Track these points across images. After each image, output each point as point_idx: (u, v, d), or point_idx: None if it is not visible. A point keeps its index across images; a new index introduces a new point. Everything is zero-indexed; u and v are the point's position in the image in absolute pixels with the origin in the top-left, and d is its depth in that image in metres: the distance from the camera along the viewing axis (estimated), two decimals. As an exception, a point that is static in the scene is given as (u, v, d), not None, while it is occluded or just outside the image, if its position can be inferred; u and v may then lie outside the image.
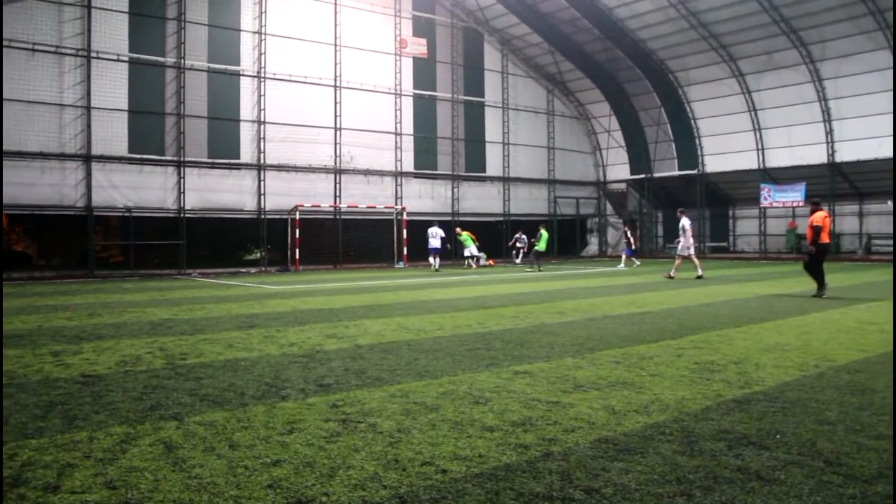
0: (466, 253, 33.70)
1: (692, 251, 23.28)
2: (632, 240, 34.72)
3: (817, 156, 37.97)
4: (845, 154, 37.12)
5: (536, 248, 31.29)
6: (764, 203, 39.84)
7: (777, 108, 39.10)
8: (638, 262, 33.97)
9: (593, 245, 48.54)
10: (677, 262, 23.43)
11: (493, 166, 42.52)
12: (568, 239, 46.10)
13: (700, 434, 4.96)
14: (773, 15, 35.14)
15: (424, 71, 39.22)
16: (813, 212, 16.20)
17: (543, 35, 41.84)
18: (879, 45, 34.18)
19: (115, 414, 5.70)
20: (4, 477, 4.19)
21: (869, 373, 7.09)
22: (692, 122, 42.90)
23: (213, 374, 7.32)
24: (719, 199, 44.95)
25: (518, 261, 37.89)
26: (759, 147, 40.39)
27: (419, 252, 34.84)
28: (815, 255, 15.99)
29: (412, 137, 38.65)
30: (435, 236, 31.67)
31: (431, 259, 31.49)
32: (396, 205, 37.17)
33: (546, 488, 3.93)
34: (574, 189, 46.72)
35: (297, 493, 3.91)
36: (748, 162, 40.81)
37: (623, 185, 47.68)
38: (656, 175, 45.25)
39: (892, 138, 33.44)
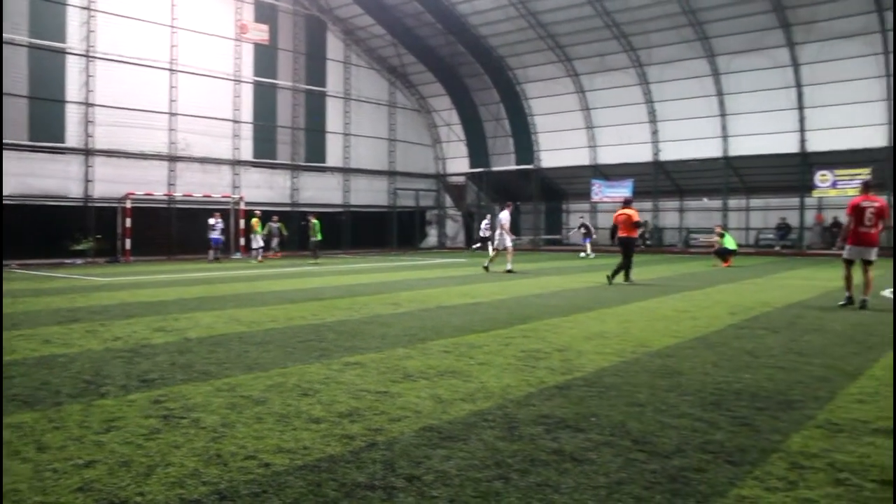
0: (255, 244, 31.15)
1: (508, 244, 21.96)
2: (591, 229, 35.60)
3: (643, 154, 40.26)
4: (668, 153, 39.59)
5: (312, 238, 29.96)
6: (595, 198, 41.87)
7: (608, 108, 41.12)
8: (588, 254, 33.92)
9: (432, 237, 49.25)
10: (493, 254, 22.70)
11: (334, 157, 42.25)
12: (408, 230, 46.53)
13: (521, 419, 5.16)
14: (606, 19, 36.87)
15: (265, 58, 38.34)
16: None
17: (387, 27, 41.94)
18: (698, 53, 36.66)
19: None
20: None
21: (678, 357, 7.61)
22: (529, 118, 44.33)
23: (26, 373, 6.88)
24: (553, 193, 46.73)
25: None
26: (592, 144, 42.32)
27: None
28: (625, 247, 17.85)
29: (251, 126, 37.75)
30: (216, 228, 30.52)
31: (211, 252, 30.43)
32: (234, 194, 36.21)
33: (368, 478, 3.98)
34: (414, 181, 47.20)
35: (110, 494, 3.75)
36: (581, 158, 42.67)
37: (462, 178, 48.69)
38: (494, 169, 46.47)
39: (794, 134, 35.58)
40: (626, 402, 5.69)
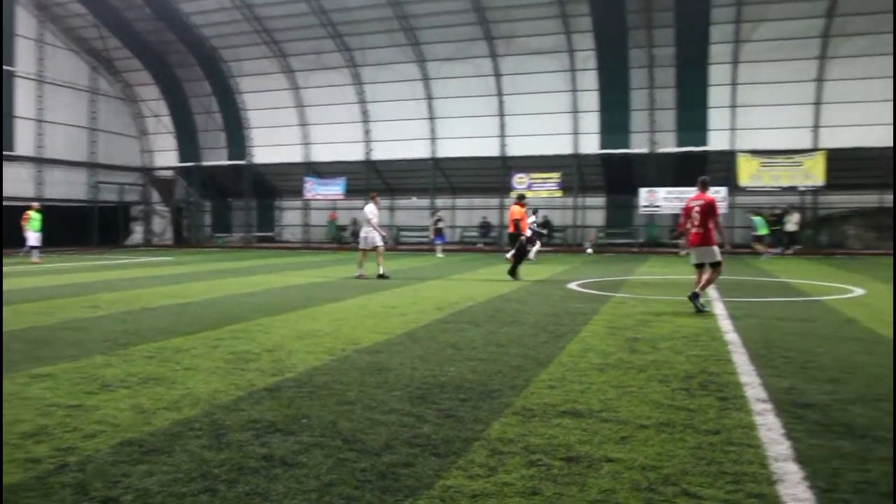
0: (34, 241, 26.45)
1: (379, 243, 18.74)
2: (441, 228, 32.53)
3: (356, 153, 41.03)
4: (380, 153, 40.70)
5: None
6: (308, 195, 41.92)
7: (322, 106, 41.37)
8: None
9: (138, 234, 46.47)
10: (365, 255, 19.08)
11: (25, 145, 38.33)
12: (111, 227, 43.41)
13: (230, 426, 4.98)
14: (322, 18, 37.07)
15: (-65, 29, 33.78)
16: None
17: (88, 6, 38.74)
18: (409, 57, 38.16)
19: None
20: None
21: (388, 353, 7.80)
22: (242, 112, 43.35)
23: None
24: (266, 189, 46.10)
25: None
26: (305, 142, 42.32)
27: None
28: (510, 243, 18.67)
29: (-81, 106, 33.10)
30: None
31: None
32: None
33: (57, 504, 3.61)
34: (118, 174, 44.21)
35: None
36: (294, 155, 42.53)
37: (171, 172, 46.46)
38: (205, 163, 44.87)
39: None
40: (336, 400, 5.71)
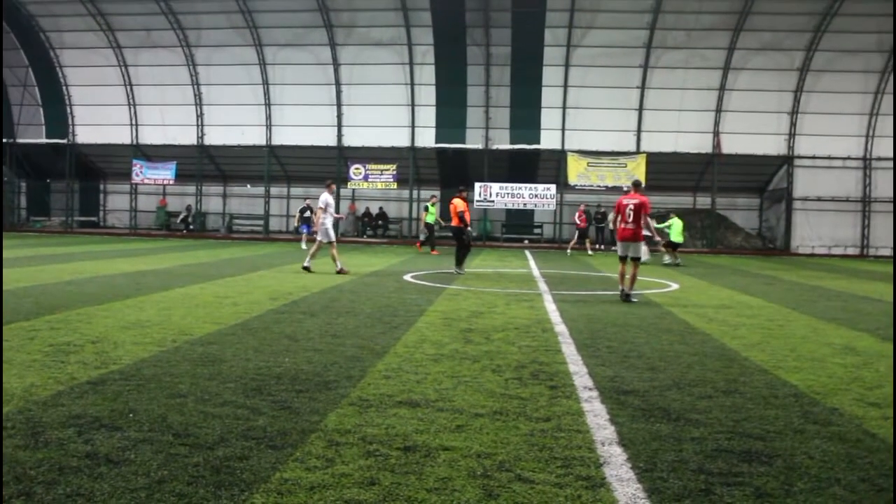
0: None
1: (332, 236, 17.31)
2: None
3: (188, 137, 39.47)
4: (214, 138, 39.36)
5: None
6: (136, 179, 39.93)
7: (153, 86, 39.57)
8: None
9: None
10: (314, 247, 17.93)
11: None
12: None
13: (48, 423, 4.66)
14: (154, -8, 35.37)
15: None
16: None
17: None
18: (246, 41, 37.13)
19: None
20: None
21: (220, 344, 7.58)
22: (64, 87, 40.61)
23: None
24: (90, 171, 43.51)
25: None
26: (134, 122, 40.26)
27: None
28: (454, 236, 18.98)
29: None
30: None
31: None
32: None
33: None
34: (-84, 148, 40.26)
35: None
36: (122, 136, 40.35)
37: (-21, 149, 42.90)
38: (21, 141, 41.73)
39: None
40: (166, 394, 5.49)
